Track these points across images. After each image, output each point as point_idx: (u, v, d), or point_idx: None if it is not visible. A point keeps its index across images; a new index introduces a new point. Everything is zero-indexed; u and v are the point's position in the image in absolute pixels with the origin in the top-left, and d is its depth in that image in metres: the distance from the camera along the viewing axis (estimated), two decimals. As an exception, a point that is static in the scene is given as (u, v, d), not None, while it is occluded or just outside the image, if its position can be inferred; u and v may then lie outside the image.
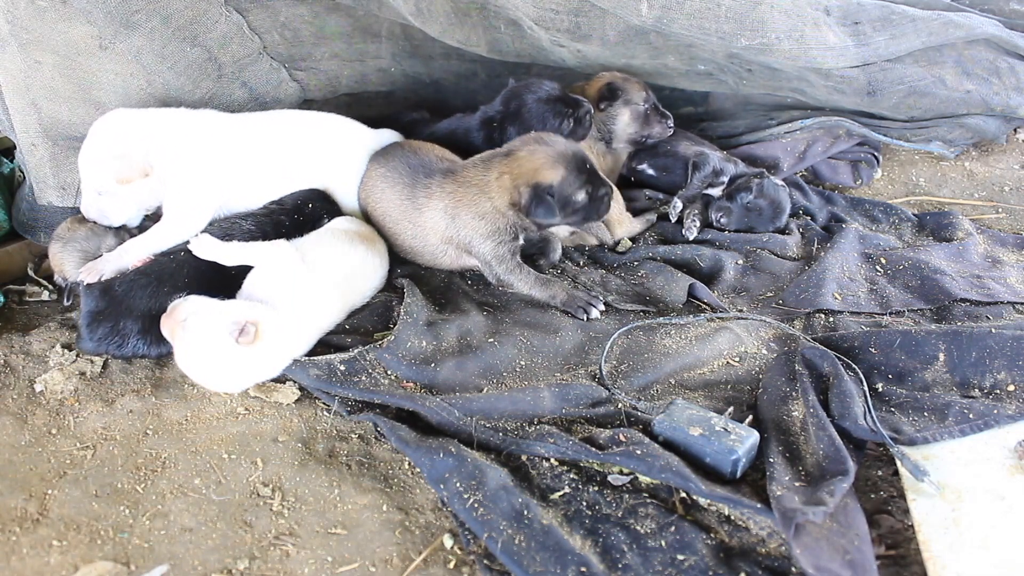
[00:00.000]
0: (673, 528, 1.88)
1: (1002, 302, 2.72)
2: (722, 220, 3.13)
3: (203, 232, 2.54)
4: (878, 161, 3.65)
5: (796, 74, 3.26)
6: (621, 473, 2.04)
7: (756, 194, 3.12)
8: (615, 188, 3.17)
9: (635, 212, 3.20)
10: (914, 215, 3.31)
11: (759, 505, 1.90)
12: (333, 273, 2.50)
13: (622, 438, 2.08)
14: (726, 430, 2.06)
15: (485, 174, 2.63)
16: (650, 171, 3.38)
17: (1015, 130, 3.88)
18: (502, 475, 1.98)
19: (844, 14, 3.11)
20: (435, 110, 3.42)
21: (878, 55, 3.21)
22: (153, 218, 2.69)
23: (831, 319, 2.67)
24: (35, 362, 2.48)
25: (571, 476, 2.03)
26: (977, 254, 3.00)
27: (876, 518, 1.95)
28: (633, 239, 3.11)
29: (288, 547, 1.89)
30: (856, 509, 1.89)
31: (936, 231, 3.18)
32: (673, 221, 3.16)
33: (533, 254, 2.87)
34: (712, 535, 1.88)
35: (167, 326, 2.28)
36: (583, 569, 1.77)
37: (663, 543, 1.84)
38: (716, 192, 3.25)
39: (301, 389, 2.35)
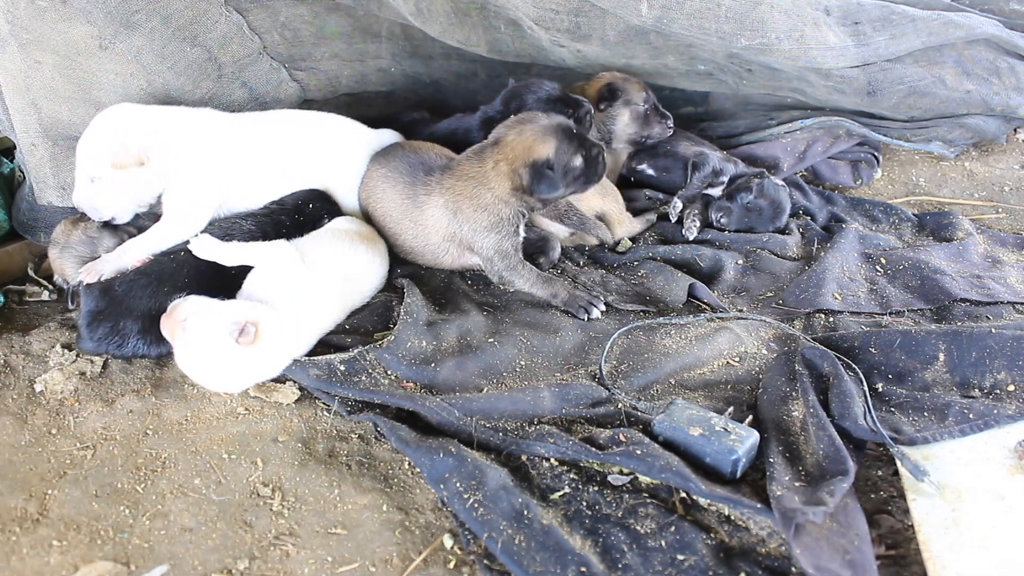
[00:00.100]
0: (673, 528, 1.88)
1: (1002, 302, 2.72)
2: (722, 220, 3.13)
3: (203, 232, 2.54)
4: (878, 161, 3.65)
5: (796, 74, 3.26)
6: (621, 473, 2.04)
7: (756, 194, 3.12)
8: (615, 188, 3.19)
9: (635, 212, 3.20)
10: (914, 215, 3.31)
11: (759, 505, 1.90)
12: (333, 273, 2.50)
13: (622, 438, 2.08)
14: (726, 430, 2.06)
15: (481, 166, 2.64)
16: (650, 171, 3.38)
17: (1015, 130, 3.89)
18: (502, 475, 1.98)
19: (844, 14, 3.11)
20: (435, 110, 3.42)
21: (878, 55, 3.21)
22: (152, 218, 2.69)
23: (831, 319, 2.67)
24: (35, 362, 2.48)
25: (571, 476, 2.03)
26: (977, 254, 3.00)
27: (876, 518, 1.95)
28: (633, 239, 3.11)
29: (288, 547, 1.89)
30: (856, 509, 1.89)
31: (936, 231, 3.18)
32: (673, 221, 3.16)
33: (533, 253, 2.87)
34: (712, 535, 1.88)
35: (167, 326, 2.28)
36: (583, 569, 1.77)
37: (663, 543, 1.84)
38: (716, 192, 3.25)
39: (301, 389, 2.35)
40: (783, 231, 3.16)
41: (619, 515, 1.92)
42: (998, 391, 2.29)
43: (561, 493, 1.98)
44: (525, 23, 2.95)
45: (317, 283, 2.44)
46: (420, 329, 2.47)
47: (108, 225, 2.67)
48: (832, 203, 3.40)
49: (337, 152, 2.90)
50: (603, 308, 2.65)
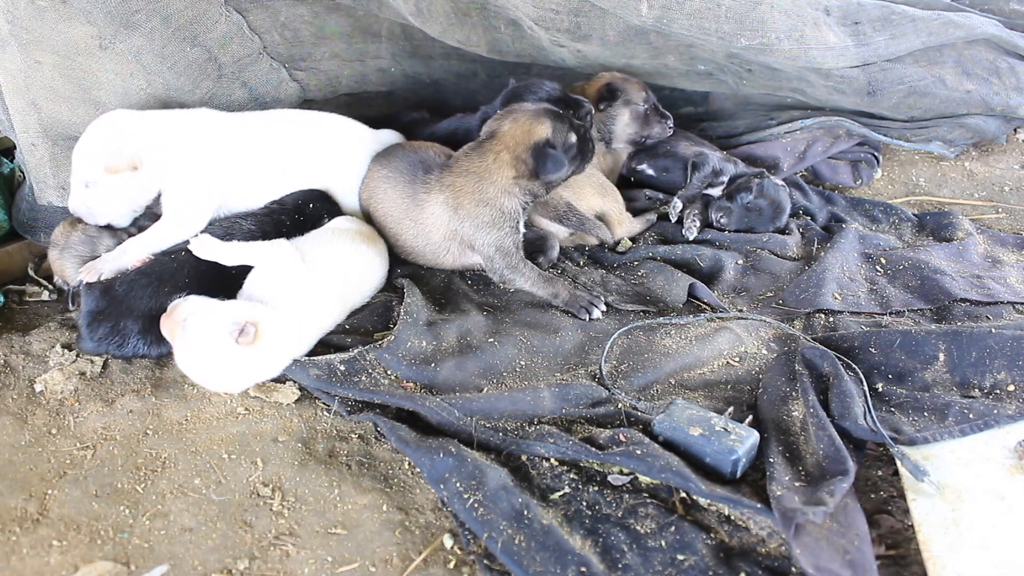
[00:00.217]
0: (673, 528, 1.88)
1: (1002, 302, 2.72)
2: (722, 220, 3.13)
3: (203, 232, 2.55)
4: (878, 161, 3.65)
5: (796, 74, 3.26)
6: (621, 473, 2.04)
7: (756, 194, 3.12)
8: (615, 188, 3.19)
9: (635, 212, 3.20)
10: (914, 215, 3.31)
11: (759, 505, 1.90)
12: (333, 273, 2.50)
13: (622, 438, 2.08)
14: (726, 430, 2.06)
15: (481, 160, 2.66)
16: (650, 171, 3.38)
17: (1015, 130, 3.89)
18: (502, 475, 1.98)
19: (844, 14, 3.11)
20: (435, 110, 3.42)
21: (878, 55, 3.21)
22: (151, 218, 2.69)
23: (831, 319, 2.67)
24: (35, 362, 2.48)
25: (571, 476, 2.03)
26: (977, 254, 3.00)
27: (876, 518, 1.95)
28: (633, 239, 3.11)
29: (288, 547, 1.89)
30: (856, 509, 1.89)
31: (936, 231, 3.18)
32: (673, 221, 3.16)
33: (532, 252, 2.87)
34: (712, 535, 1.88)
35: (167, 326, 2.28)
36: (583, 569, 1.77)
37: (663, 543, 1.84)
38: (716, 192, 3.25)
39: (301, 389, 2.35)
40: (783, 231, 3.16)
41: (619, 515, 1.92)
42: (998, 391, 2.29)
43: (561, 493, 1.98)
44: (525, 23, 2.95)
45: (317, 283, 2.44)
46: (420, 329, 2.47)
47: (107, 225, 2.67)
48: (832, 203, 3.40)
49: (337, 152, 2.90)
50: (604, 308, 2.65)
